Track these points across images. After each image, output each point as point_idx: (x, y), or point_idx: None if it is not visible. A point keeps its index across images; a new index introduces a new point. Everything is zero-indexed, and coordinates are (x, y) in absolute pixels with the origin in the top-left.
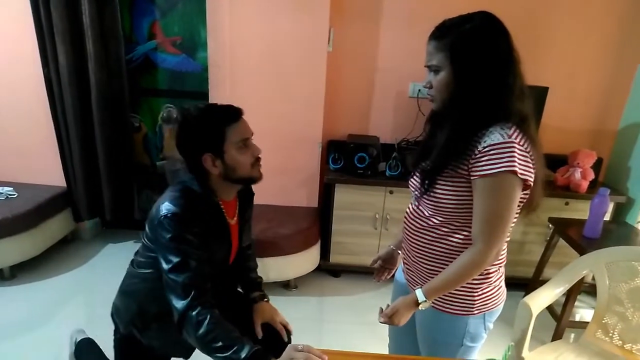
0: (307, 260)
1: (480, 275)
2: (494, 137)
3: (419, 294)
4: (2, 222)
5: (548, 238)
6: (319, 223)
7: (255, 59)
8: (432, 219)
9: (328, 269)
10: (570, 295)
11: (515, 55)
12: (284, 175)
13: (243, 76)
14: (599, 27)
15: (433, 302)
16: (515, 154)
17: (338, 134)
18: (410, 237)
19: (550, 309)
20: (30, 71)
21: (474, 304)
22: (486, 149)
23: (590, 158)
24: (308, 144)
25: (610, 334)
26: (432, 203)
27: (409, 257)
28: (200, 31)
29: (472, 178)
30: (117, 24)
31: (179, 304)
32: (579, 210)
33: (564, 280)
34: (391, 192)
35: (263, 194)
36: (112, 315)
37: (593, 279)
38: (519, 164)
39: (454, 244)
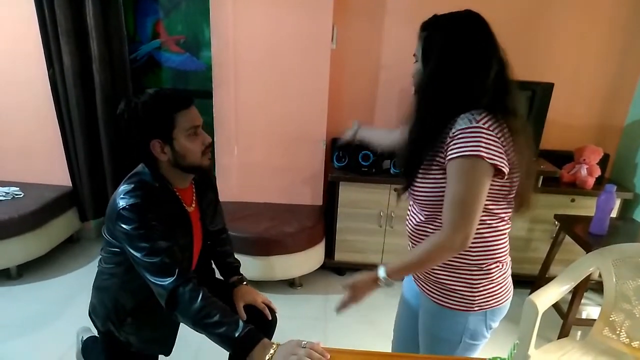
0: (312, 258)
1: (479, 270)
2: (462, 122)
3: (381, 270)
4: (9, 221)
5: (554, 235)
6: (323, 221)
7: (259, 57)
8: (421, 214)
9: (333, 267)
10: (577, 293)
11: (491, 53)
12: (288, 174)
13: (247, 75)
14: (605, 22)
15: (434, 297)
16: (482, 139)
17: (342, 131)
18: (410, 236)
19: (556, 306)
20: (35, 72)
21: (474, 301)
22: (455, 134)
23: (597, 154)
24: (312, 142)
25: (618, 332)
26: (417, 197)
27: None
28: (204, 30)
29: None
30: (121, 24)
31: (165, 282)
32: (585, 207)
33: (571, 278)
34: (396, 190)
35: (267, 192)
36: (89, 314)
37: (600, 276)
38: (485, 148)
39: None
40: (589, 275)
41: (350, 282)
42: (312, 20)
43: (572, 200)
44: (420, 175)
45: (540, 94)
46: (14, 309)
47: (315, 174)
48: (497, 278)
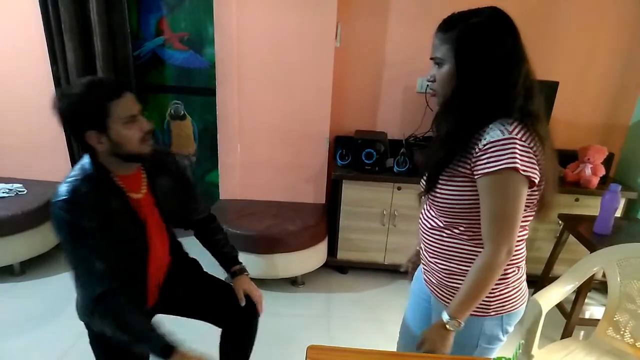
0: (314, 256)
1: None
2: (494, 133)
3: (444, 315)
4: (12, 218)
5: (558, 235)
6: (326, 219)
7: (263, 55)
8: (438, 219)
9: (335, 266)
10: (581, 293)
11: (522, 54)
12: (291, 172)
13: (250, 72)
14: (611, 20)
15: (449, 302)
16: (517, 151)
17: (345, 129)
18: (423, 237)
19: (560, 306)
20: (39, 69)
21: (490, 305)
22: (486, 147)
23: (601, 154)
24: (315, 139)
25: (622, 332)
26: (438, 203)
27: (425, 256)
28: (208, 27)
29: (475, 177)
30: (125, 21)
31: (88, 294)
32: (590, 207)
33: (575, 277)
34: (399, 189)
35: (270, 190)
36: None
37: (604, 276)
38: (521, 160)
39: (462, 243)
40: (593, 275)
41: (421, 340)
42: (316, 18)
43: (576, 200)
44: (442, 182)
45: (544, 93)
46: (17, 306)
47: (319, 172)
48: (513, 282)
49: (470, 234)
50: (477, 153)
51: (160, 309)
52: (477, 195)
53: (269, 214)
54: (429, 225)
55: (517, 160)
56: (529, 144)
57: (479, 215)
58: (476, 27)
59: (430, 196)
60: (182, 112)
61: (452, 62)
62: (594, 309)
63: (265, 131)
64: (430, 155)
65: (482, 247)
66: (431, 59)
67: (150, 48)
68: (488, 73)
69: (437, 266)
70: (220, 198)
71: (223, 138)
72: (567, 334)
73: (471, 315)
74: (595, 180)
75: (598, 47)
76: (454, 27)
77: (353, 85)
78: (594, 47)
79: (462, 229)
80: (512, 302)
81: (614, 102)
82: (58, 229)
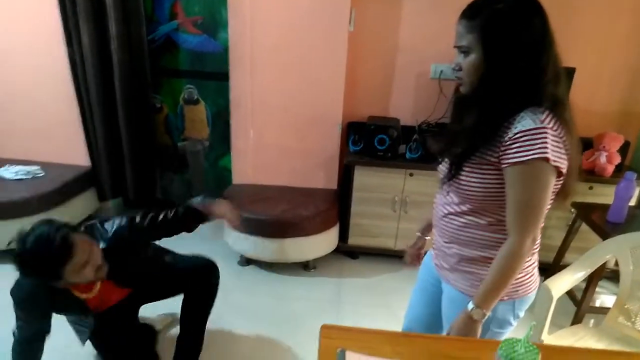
0: (325, 241)
1: None
2: (526, 122)
3: (469, 305)
4: (29, 200)
5: (570, 223)
6: (338, 205)
7: (276, 39)
8: (461, 205)
9: (346, 251)
10: (592, 280)
11: (550, 37)
12: (303, 157)
13: (263, 56)
14: (630, 5)
15: (462, 287)
16: (548, 140)
17: (358, 115)
18: (440, 223)
19: (570, 294)
20: (54, 52)
21: None
22: (517, 136)
23: (617, 141)
24: (328, 125)
25: (633, 320)
26: (461, 190)
27: (439, 241)
28: (221, 11)
29: (502, 166)
30: (139, 4)
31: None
32: (604, 195)
33: (587, 264)
34: (411, 175)
35: (282, 175)
36: None
37: (616, 264)
38: (552, 150)
39: (483, 229)
40: (605, 263)
41: (450, 329)
42: (330, 2)
43: (590, 188)
44: (468, 170)
45: None
46: None
47: (331, 158)
48: (526, 268)
49: (492, 221)
50: (506, 142)
51: (136, 305)
52: (503, 183)
53: (281, 198)
54: (447, 211)
55: (548, 151)
56: (559, 133)
57: (502, 203)
58: (503, 12)
59: (453, 183)
60: (196, 97)
61: (479, 51)
62: (604, 298)
63: (278, 116)
64: (454, 143)
65: (502, 235)
66: (456, 47)
67: (165, 32)
68: (517, 60)
69: (453, 251)
70: (232, 183)
71: (236, 123)
72: (577, 321)
73: None
74: (610, 169)
75: (615, 33)
76: (480, 14)
77: (366, 70)
78: (611, 32)
79: (484, 216)
80: (525, 287)
81: (631, 89)
82: (13, 304)
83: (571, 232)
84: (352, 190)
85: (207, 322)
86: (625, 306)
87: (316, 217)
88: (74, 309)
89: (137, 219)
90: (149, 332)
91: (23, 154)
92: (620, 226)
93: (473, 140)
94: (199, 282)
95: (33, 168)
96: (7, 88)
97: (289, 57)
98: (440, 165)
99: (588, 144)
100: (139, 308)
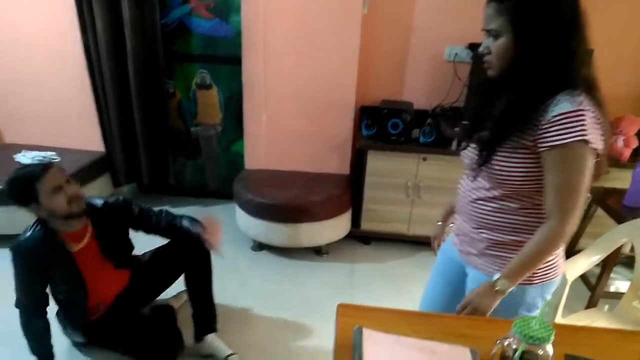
0: (338, 226)
1: None
2: (563, 105)
3: (495, 275)
4: None
5: (585, 207)
6: (350, 190)
7: (289, 23)
8: (492, 190)
9: (359, 236)
10: (607, 265)
11: (582, 18)
12: (316, 142)
13: (276, 40)
14: None
15: (491, 272)
16: (587, 122)
17: (371, 99)
18: (469, 208)
19: (584, 279)
20: (69, 38)
21: (535, 274)
22: (556, 118)
23: (635, 125)
24: (341, 109)
25: None
26: (493, 175)
27: (465, 227)
28: None
29: (540, 150)
30: None
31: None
32: (620, 179)
33: (602, 248)
34: (424, 159)
35: (294, 161)
36: None
37: (631, 250)
38: (591, 133)
39: (515, 213)
40: (620, 248)
41: (464, 302)
42: None
43: (607, 172)
44: (501, 154)
45: None
46: None
47: (344, 142)
48: (557, 251)
49: (525, 204)
50: (543, 125)
51: (143, 301)
52: (539, 167)
53: (293, 183)
54: (476, 196)
55: (587, 133)
56: (596, 115)
57: (537, 187)
58: None
59: (485, 169)
60: (209, 82)
61: (510, 34)
62: (619, 283)
63: (291, 100)
64: (482, 128)
65: (534, 218)
66: (484, 30)
67: (177, 16)
68: (550, 42)
69: (482, 236)
70: (245, 168)
71: (248, 107)
72: (591, 306)
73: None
74: (627, 152)
75: (635, 14)
76: None
77: (379, 53)
78: (631, 13)
79: (518, 200)
80: (555, 270)
81: None
82: (12, 265)
83: (586, 217)
84: (364, 175)
85: (221, 299)
86: None
87: (329, 202)
88: (66, 268)
89: (135, 207)
90: (167, 311)
91: (39, 140)
92: (636, 210)
93: (509, 124)
94: (192, 255)
95: (49, 154)
96: (22, 75)
97: (302, 41)
98: (464, 151)
99: None
100: (142, 303)
